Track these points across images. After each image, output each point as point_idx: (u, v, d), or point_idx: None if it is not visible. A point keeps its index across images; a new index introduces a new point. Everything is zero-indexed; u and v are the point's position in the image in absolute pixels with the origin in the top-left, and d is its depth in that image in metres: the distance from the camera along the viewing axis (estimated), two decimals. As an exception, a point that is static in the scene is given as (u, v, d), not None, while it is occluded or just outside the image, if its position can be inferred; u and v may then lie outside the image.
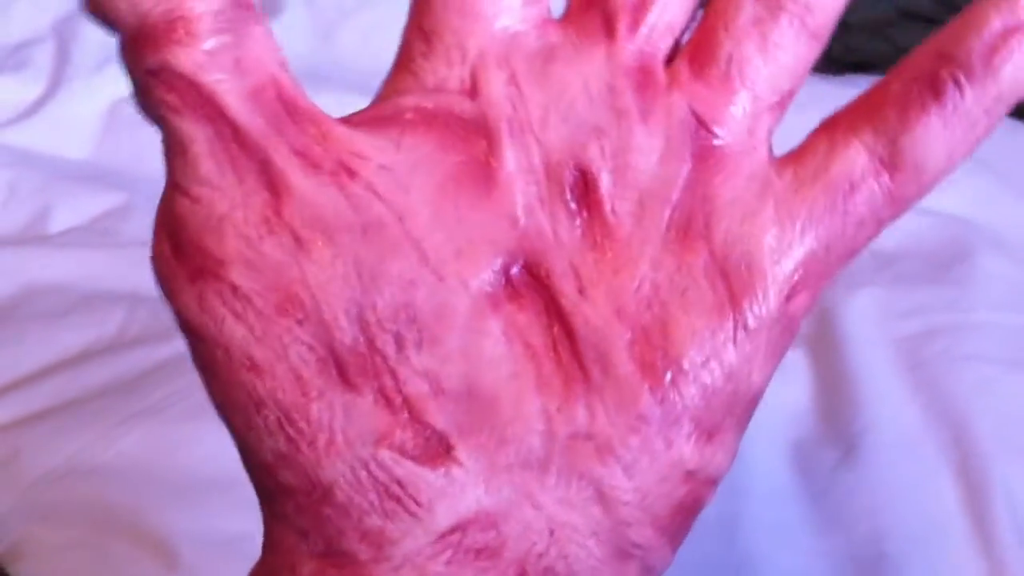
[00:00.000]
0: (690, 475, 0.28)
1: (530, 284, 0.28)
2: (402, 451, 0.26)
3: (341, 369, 0.26)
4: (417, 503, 0.26)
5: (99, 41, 1.10)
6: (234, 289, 0.26)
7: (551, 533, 0.27)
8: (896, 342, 0.86)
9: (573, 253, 0.28)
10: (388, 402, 0.26)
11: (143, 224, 0.96)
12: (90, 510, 0.71)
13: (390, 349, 0.26)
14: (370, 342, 0.26)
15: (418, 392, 0.27)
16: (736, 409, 0.28)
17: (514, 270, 0.27)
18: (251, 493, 0.78)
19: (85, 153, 1.04)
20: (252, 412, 0.26)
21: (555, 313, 0.27)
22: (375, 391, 0.26)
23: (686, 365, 0.27)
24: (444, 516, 0.27)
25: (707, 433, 0.28)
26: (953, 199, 0.98)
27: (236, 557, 0.69)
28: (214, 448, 0.74)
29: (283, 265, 0.26)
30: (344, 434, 0.26)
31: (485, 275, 0.27)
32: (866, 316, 0.87)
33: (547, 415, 0.27)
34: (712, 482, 0.28)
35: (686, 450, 0.27)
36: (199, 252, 0.26)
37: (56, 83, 1.08)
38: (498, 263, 0.27)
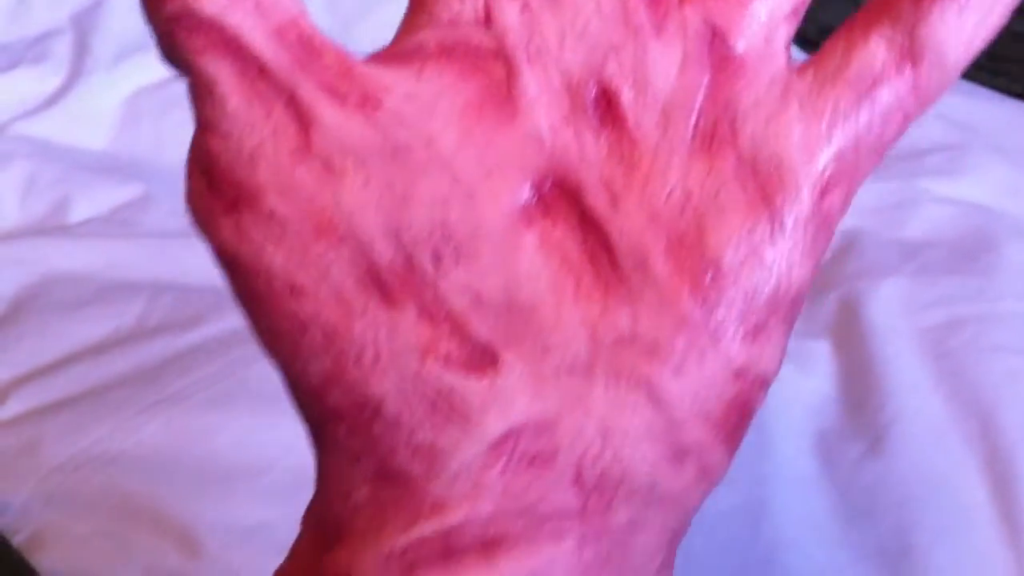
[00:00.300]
0: (739, 374, 0.28)
1: (562, 200, 0.28)
2: (448, 362, 0.27)
3: (382, 287, 0.27)
4: (466, 412, 0.27)
5: (118, 33, 1.10)
6: (271, 215, 0.26)
7: (604, 436, 0.27)
8: (921, 332, 0.85)
9: (602, 168, 0.28)
10: (431, 316, 0.27)
11: (162, 214, 0.96)
12: (111, 499, 0.71)
13: (428, 266, 0.27)
14: (408, 260, 0.27)
15: (459, 305, 0.27)
16: (780, 307, 0.28)
17: (545, 188, 0.28)
18: (273, 482, 0.78)
19: (104, 144, 1.04)
20: (297, 337, 0.27)
21: (589, 226, 0.28)
22: (417, 306, 0.27)
23: (725, 264, 0.27)
24: (495, 424, 0.27)
25: (752, 331, 0.28)
26: (976, 188, 0.98)
27: (258, 546, 0.70)
28: (236, 437, 0.75)
29: (317, 191, 0.26)
30: (389, 349, 0.26)
31: (516, 194, 0.27)
32: (891, 306, 0.86)
33: (589, 322, 0.27)
34: (762, 383, 0.28)
35: (733, 348, 0.28)
36: (233, 184, 0.26)
37: (75, 75, 1.08)
38: (528, 182, 0.28)
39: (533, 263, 0.27)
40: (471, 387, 0.27)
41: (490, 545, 0.27)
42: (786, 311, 0.28)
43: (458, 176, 0.27)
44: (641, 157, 0.28)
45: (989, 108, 1.06)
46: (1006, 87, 1.09)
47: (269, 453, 0.73)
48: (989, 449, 0.77)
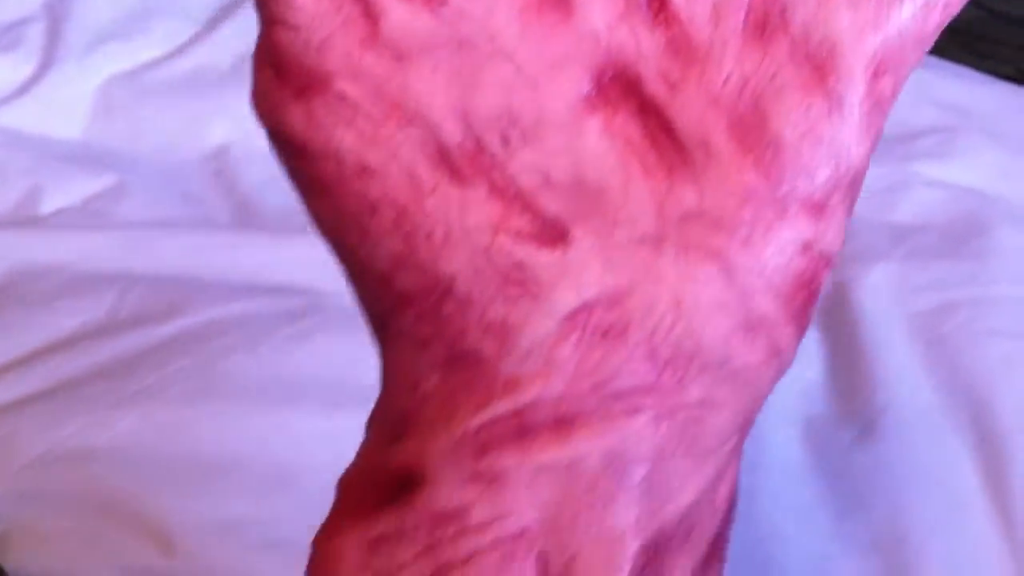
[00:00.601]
0: (805, 247, 0.28)
1: (621, 92, 0.28)
2: (519, 237, 0.27)
3: (452, 166, 0.27)
4: (538, 286, 0.27)
5: (91, 20, 1.09)
6: (342, 98, 0.27)
7: (676, 308, 0.27)
8: (912, 317, 0.84)
9: (659, 61, 0.28)
10: (501, 193, 0.27)
11: (136, 205, 0.95)
12: (84, 495, 0.70)
13: (497, 146, 0.27)
14: (477, 141, 0.27)
15: (528, 184, 0.27)
16: (840, 185, 0.28)
17: (604, 81, 0.28)
18: (251, 476, 0.76)
19: (77, 133, 1.03)
20: (367, 217, 0.27)
21: (650, 113, 0.28)
22: (487, 185, 0.27)
23: (785, 141, 0.28)
24: (566, 297, 0.27)
25: (816, 206, 0.28)
26: (968, 172, 0.97)
27: (236, 542, 0.69)
28: (213, 431, 0.73)
29: (386, 76, 0.27)
30: (461, 225, 0.27)
31: (577, 85, 0.28)
32: (881, 291, 0.86)
33: (656, 197, 0.28)
34: (827, 261, 0.29)
35: (798, 222, 0.28)
36: (304, 71, 0.27)
37: (47, 62, 1.06)
38: (587, 75, 0.28)
39: (598, 146, 0.28)
40: (542, 260, 0.27)
41: (564, 423, 0.27)
42: (846, 190, 0.29)
43: (521, 68, 0.28)
44: (696, 49, 0.28)
45: (979, 91, 1.05)
46: (994, 70, 1.08)
47: (246, 448, 0.72)
48: (982, 436, 0.77)
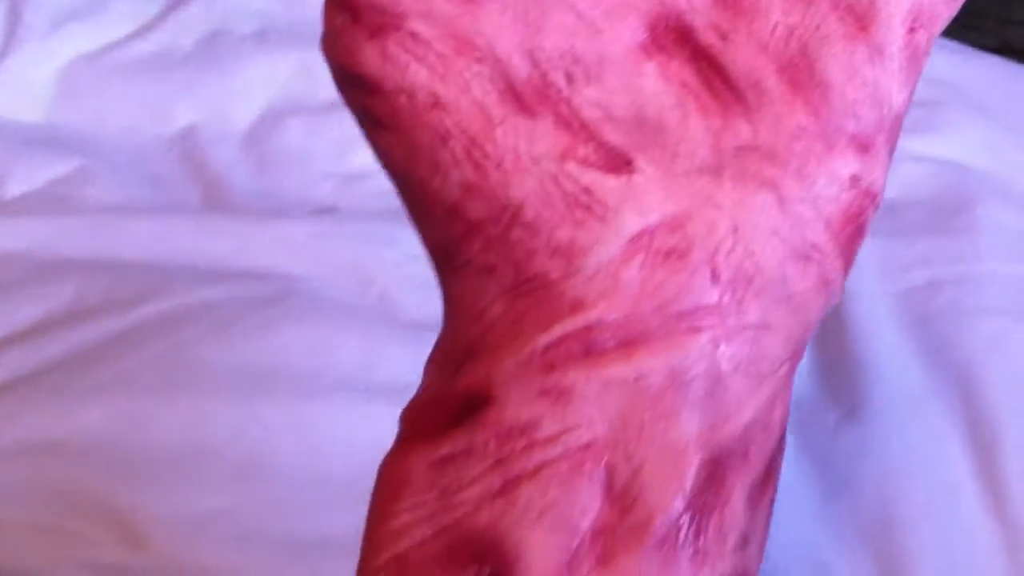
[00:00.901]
0: (853, 181, 0.30)
1: (676, 40, 0.30)
2: (585, 162, 0.29)
3: (520, 100, 0.29)
4: (604, 208, 0.29)
5: (53, 1, 1.06)
6: (414, 36, 0.29)
7: (734, 233, 0.29)
8: (898, 295, 0.83)
9: (709, 14, 0.31)
10: (567, 124, 0.29)
11: (101, 189, 0.93)
12: (49, 489, 0.68)
13: (562, 83, 0.29)
14: (543, 76, 0.29)
15: (592, 117, 0.29)
16: (883, 126, 0.31)
17: (659, 31, 0.30)
18: (222, 468, 0.75)
19: (39, 117, 1.00)
20: (438, 147, 0.29)
21: (703, 59, 0.30)
22: (553, 116, 0.29)
23: (832, 82, 0.30)
24: (631, 220, 0.29)
25: (862, 144, 0.30)
26: (953, 146, 0.96)
27: (207, 537, 0.67)
28: (182, 421, 0.72)
29: (457, 16, 0.29)
30: (529, 153, 0.29)
31: (634, 32, 0.30)
32: (865, 269, 0.84)
33: (712, 132, 0.30)
34: (872, 197, 0.31)
35: (846, 155, 0.30)
36: (376, 12, 0.29)
37: (8, 45, 1.04)
38: (643, 24, 0.30)
39: (655, 86, 0.30)
40: (608, 185, 0.29)
41: (629, 341, 0.29)
42: (888, 132, 0.31)
43: (582, 15, 0.30)
44: (743, 5, 0.31)
45: (964, 64, 1.03)
46: (979, 42, 1.07)
47: (217, 438, 0.70)
48: (972, 416, 0.75)
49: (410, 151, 0.29)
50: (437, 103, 0.29)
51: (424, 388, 0.31)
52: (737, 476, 0.30)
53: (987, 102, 0.99)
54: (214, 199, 0.93)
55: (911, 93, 0.31)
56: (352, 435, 0.71)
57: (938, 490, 0.72)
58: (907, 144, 0.96)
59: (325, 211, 0.92)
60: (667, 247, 0.29)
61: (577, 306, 0.29)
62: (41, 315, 0.80)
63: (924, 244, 0.87)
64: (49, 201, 0.91)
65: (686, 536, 0.29)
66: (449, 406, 0.30)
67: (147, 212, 0.90)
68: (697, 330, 0.29)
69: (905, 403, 0.76)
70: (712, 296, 0.29)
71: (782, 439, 0.31)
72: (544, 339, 0.29)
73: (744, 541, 0.30)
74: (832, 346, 0.80)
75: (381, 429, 0.71)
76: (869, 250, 0.85)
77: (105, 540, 0.66)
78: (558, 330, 0.29)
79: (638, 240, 0.29)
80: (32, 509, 0.67)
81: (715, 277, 0.29)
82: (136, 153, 0.96)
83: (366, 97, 0.30)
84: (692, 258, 0.29)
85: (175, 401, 0.73)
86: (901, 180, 0.92)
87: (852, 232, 0.31)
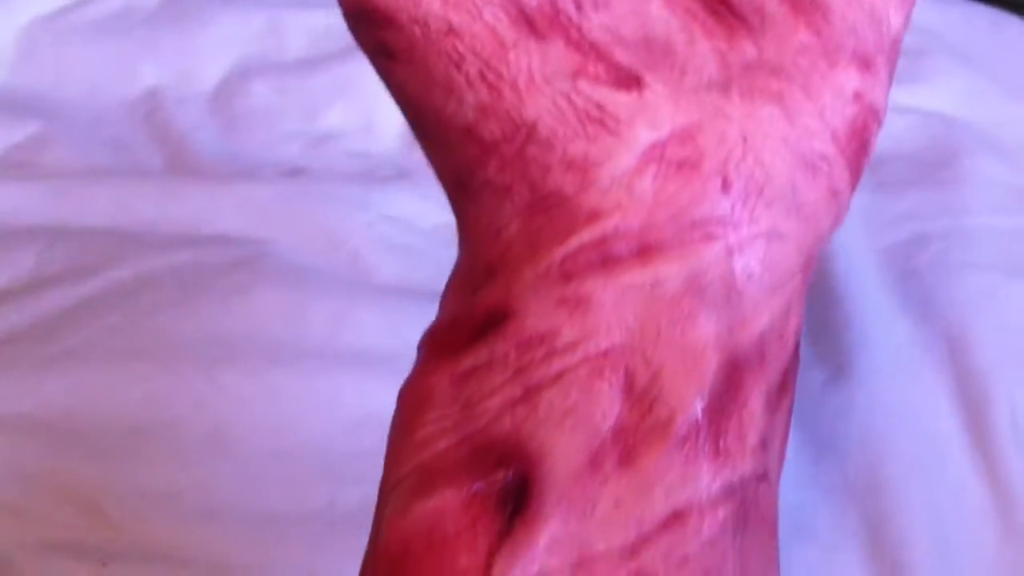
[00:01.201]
0: (856, 95, 0.31)
1: None
2: (597, 80, 0.30)
3: (531, 24, 0.30)
4: (617, 122, 0.30)
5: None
6: None
7: (744, 143, 0.30)
8: (883, 251, 0.81)
9: None
10: (577, 46, 0.30)
11: (62, 154, 0.90)
12: (6, 466, 0.66)
13: (571, 9, 0.30)
14: (553, 4, 0.30)
15: (602, 39, 0.30)
16: (883, 46, 0.32)
17: None
18: (185, 442, 0.72)
19: (-2, 80, 0.97)
20: (452, 72, 0.30)
21: None
22: (564, 39, 0.30)
23: (831, 4, 0.31)
24: (643, 132, 0.30)
25: (864, 60, 0.31)
26: (937, 97, 0.94)
27: (170, 513, 0.65)
28: (144, 393, 0.69)
29: None
30: (542, 72, 0.30)
31: None
32: (849, 224, 0.82)
33: (719, 52, 0.31)
34: (875, 113, 0.32)
35: (849, 70, 0.31)
36: None
37: (-36, 6, 1.01)
38: None
39: (662, 12, 0.31)
40: (619, 100, 0.30)
41: (644, 250, 0.29)
42: (888, 53, 0.32)
43: None
44: None
45: (947, 11, 1.01)
46: (963, -12, 1.05)
47: (180, 410, 0.68)
48: (960, 372, 0.74)
49: (425, 80, 0.30)
50: (451, 30, 0.30)
51: (443, 312, 0.32)
52: (755, 381, 0.31)
53: (970, 50, 0.97)
54: (179, 162, 0.91)
55: (907, 18, 0.32)
56: (322, 404, 0.69)
57: (927, 449, 0.70)
58: (891, 95, 0.94)
59: (294, 173, 0.90)
60: (679, 158, 0.30)
61: (593, 217, 0.29)
62: (2, 283, 0.78)
63: (910, 198, 0.85)
64: (8, 167, 0.89)
65: (706, 436, 0.30)
66: (469, 326, 0.31)
67: (109, 176, 0.87)
68: (711, 237, 0.30)
69: (892, 361, 0.75)
70: (724, 205, 0.30)
71: (796, 353, 0.32)
72: (561, 251, 0.30)
73: (764, 443, 0.31)
74: (817, 304, 0.78)
75: (352, 396, 0.70)
76: (854, 205, 0.83)
77: (65, 517, 0.64)
78: (575, 241, 0.29)
79: (650, 152, 0.30)
80: (-11, 485, 0.65)
81: (726, 186, 0.30)
82: (98, 116, 0.93)
83: (380, 31, 0.31)
84: (704, 168, 0.30)
85: (137, 371, 0.70)
86: (885, 132, 0.90)
87: (858, 147, 0.32)
